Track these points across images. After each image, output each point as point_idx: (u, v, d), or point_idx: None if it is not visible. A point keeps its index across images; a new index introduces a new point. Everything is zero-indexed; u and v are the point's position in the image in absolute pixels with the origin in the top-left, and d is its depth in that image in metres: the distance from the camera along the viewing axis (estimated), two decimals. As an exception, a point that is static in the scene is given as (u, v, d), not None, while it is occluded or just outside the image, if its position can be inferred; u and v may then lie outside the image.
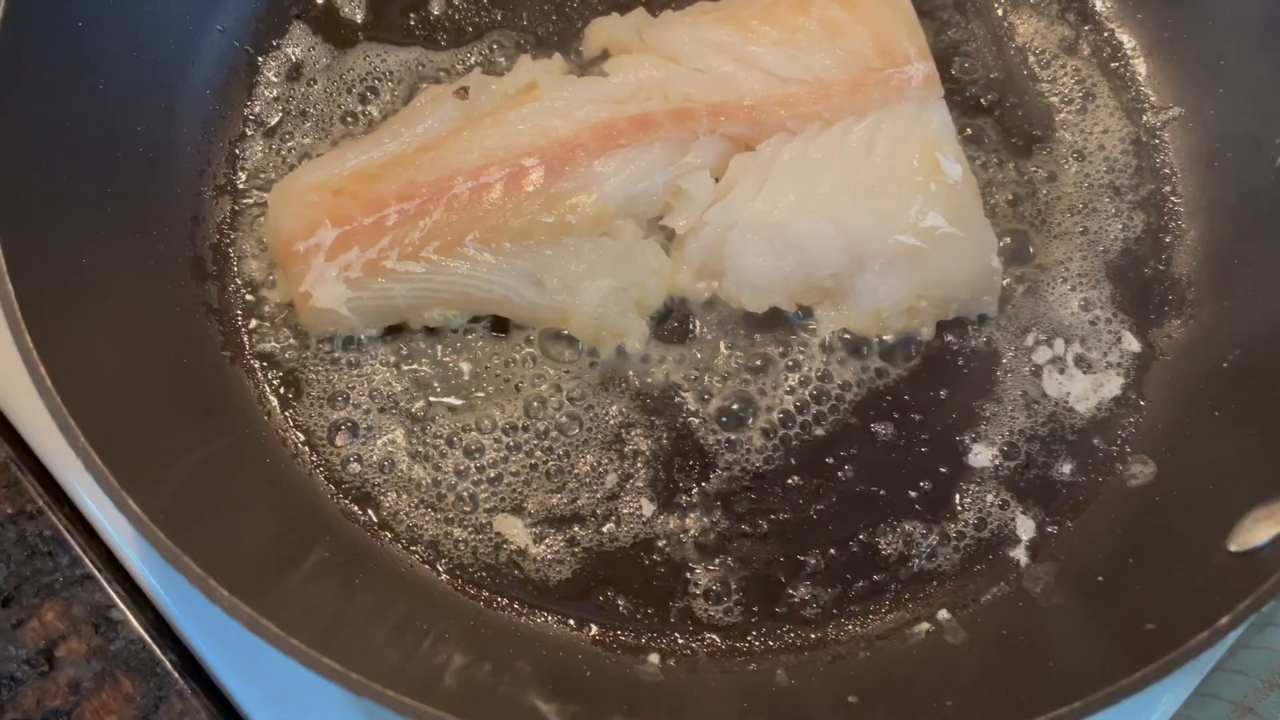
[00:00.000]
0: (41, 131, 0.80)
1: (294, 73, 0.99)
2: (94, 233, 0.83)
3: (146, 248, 0.89)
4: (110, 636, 0.88)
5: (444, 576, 0.86)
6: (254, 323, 0.92)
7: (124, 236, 0.87)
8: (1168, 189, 0.97)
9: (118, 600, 0.89)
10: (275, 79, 0.99)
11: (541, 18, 1.02)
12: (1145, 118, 0.99)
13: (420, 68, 1.00)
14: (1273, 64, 0.94)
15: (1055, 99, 1.00)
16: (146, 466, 0.72)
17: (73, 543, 0.90)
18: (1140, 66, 1.01)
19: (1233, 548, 0.74)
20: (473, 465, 0.89)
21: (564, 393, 0.90)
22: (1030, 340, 0.92)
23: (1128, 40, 1.02)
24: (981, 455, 0.89)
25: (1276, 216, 0.91)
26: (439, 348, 0.92)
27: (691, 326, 0.93)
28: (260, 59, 0.99)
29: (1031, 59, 1.01)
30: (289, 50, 1.00)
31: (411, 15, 1.02)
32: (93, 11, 0.85)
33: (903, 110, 0.91)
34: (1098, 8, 1.02)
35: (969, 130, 0.98)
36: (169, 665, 0.87)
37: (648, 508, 0.88)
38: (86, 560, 0.90)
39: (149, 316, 0.86)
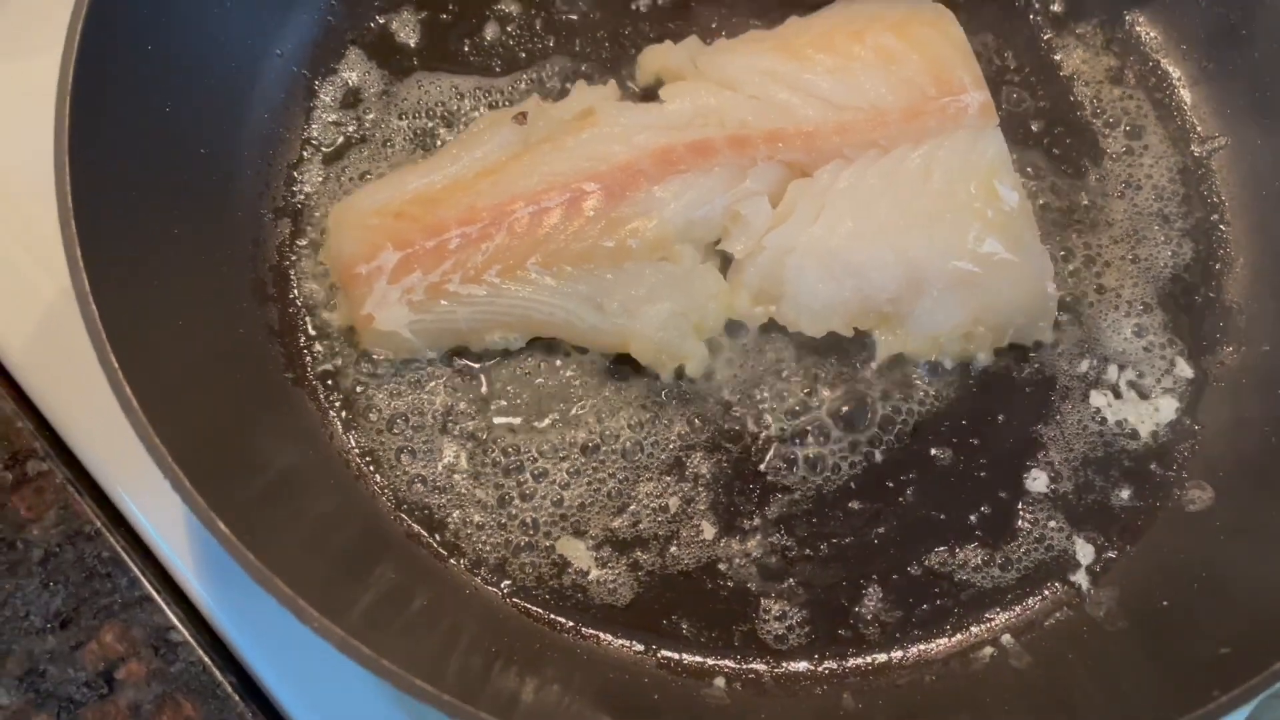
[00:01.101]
0: (115, 157, 0.81)
1: (351, 97, 1.00)
2: (163, 256, 0.84)
3: (210, 270, 0.89)
4: (170, 658, 0.88)
5: (508, 599, 0.86)
6: (316, 344, 0.92)
7: (190, 260, 0.87)
8: (1216, 217, 0.99)
9: (176, 622, 0.89)
10: (332, 103, 1.00)
11: (595, 45, 1.03)
12: (1192, 147, 1.01)
13: (476, 93, 1.01)
14: (1316, 95, 0.96)
15: (1103, 128, 1.01)
16: (223, 488, 0.72)
17: (131, 564, 0.90)
18: (1186, 96, 1.02)
19: (1301, 572, 0.74)
20: (534, 487, 0.89)
21: (624, 416, 0.91)
22: (1085, 366, 0.93)
23: (1173, 70, 1.03)
24: (1039, 480, 0.90)
25: (1326, 245, 0.93)
26: (500, 370, 0.92)
27: (750, 350, 0.93)
28: (317, 83, 1.00)
29: (1079, 88, 1.03)
30: (345, 75, 1.01)
31: (466, 41, 1.03)
32: (160, 37, 0.86)
33: (959, 138, 0.92)
34: (1143, 38, 1.04)
35: (1018, 158, 0.99)
36: (229, 687, 0.87)
37: (709, 531, 0.88)
38: (145, 581, 0.90)
39: (213, 339, 0.87)
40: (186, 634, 0.88)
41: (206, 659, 0.88)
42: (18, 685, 0.86)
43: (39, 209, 0.98)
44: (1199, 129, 1.01)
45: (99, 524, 0.91)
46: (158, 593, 0.89)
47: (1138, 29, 1.04)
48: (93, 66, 0.79)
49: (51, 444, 0.94)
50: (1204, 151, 1.01)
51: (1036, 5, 1.05)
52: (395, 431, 0.90)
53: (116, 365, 0.69)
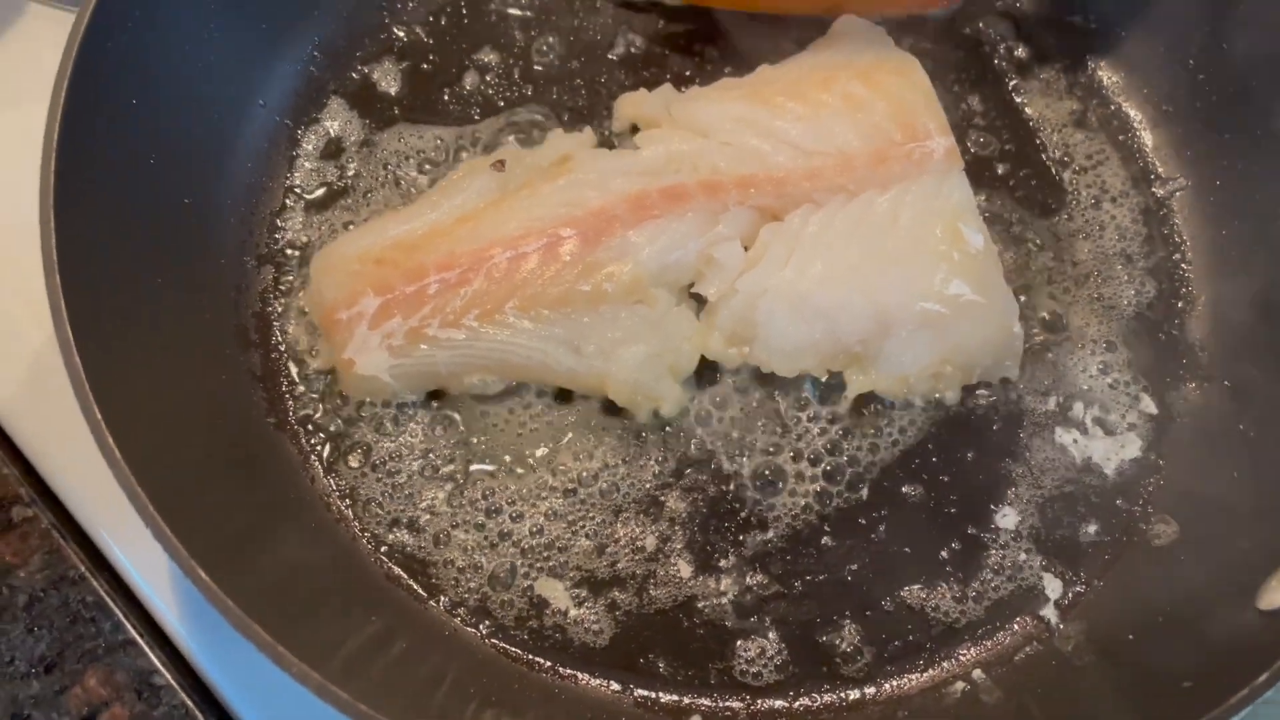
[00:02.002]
0: (99, 208, 0.83)
1: (333, 146, 1.03)
2: (147, 303, 0.85)
3: (193, 317, 0.91)
4: (153, 702, 0.88)
5: (487, 639, 0.87)
6: (298, 389, 0.94)
7: (173, 307, 0.89)
8: (1178, 256, 1.01)
9: (160, 666, 0.89)
10: (314, 152, 1.02)
11: (571, 93, 1.05)
12: (1154, 188, 1.03)
13: (455, 141, 1.03)
14: (1272, 142, 0.98)
15: (1066, 171, 1.04)
16: (204, 534, 0.73)
17: (115, 608, 0.91)
18: (1147, 138, 1.05)
19: (1262, 606, 0.76)
20: (513, 528, 0.90)
21: (601, 457, 0.93)
22: (1051, 403, 0.95)
23: (1134, 114, 1.06)
24: (1008, 516, 0.92)
25: (1284, 283, 0.95)
26: (479, 413, 0.94)
27: (724, 391, 0.95)
28: (300, 132, 1.03)
29: (1043, 132, 1.05)
30: (328, 124, 1.03)
31: (446, 90, 1.05)
32: (145, 89, 0.88)
33: (925, 183, 0.94)
34: (1104, 83, 1.07)
35: (984, 201, 1.02)
36: (211, 730, 0.88)
37: (686, 569, 0.90)
38: (128, 626, 0.91)
39: (196, 385, 0.88)
40: (169, 677, 0.89)
41: (189, 702, 0.88)
42: (2, 730, 0.87)
43: (26, 256, 1.00)
44: (1160, 170, 1.04)
45: (83, 569, 0.92)
46: (141, 637, 0.90)
47: (1099, 74, 1.07)
48: (79, 119, 0.81)
49: (37, 490, 0.95)
50: (1165, 192, 1.03)
51: (1001, 51, 1.08)
52: (375, 474, 0.92)
53: (99, 416, 0.70)
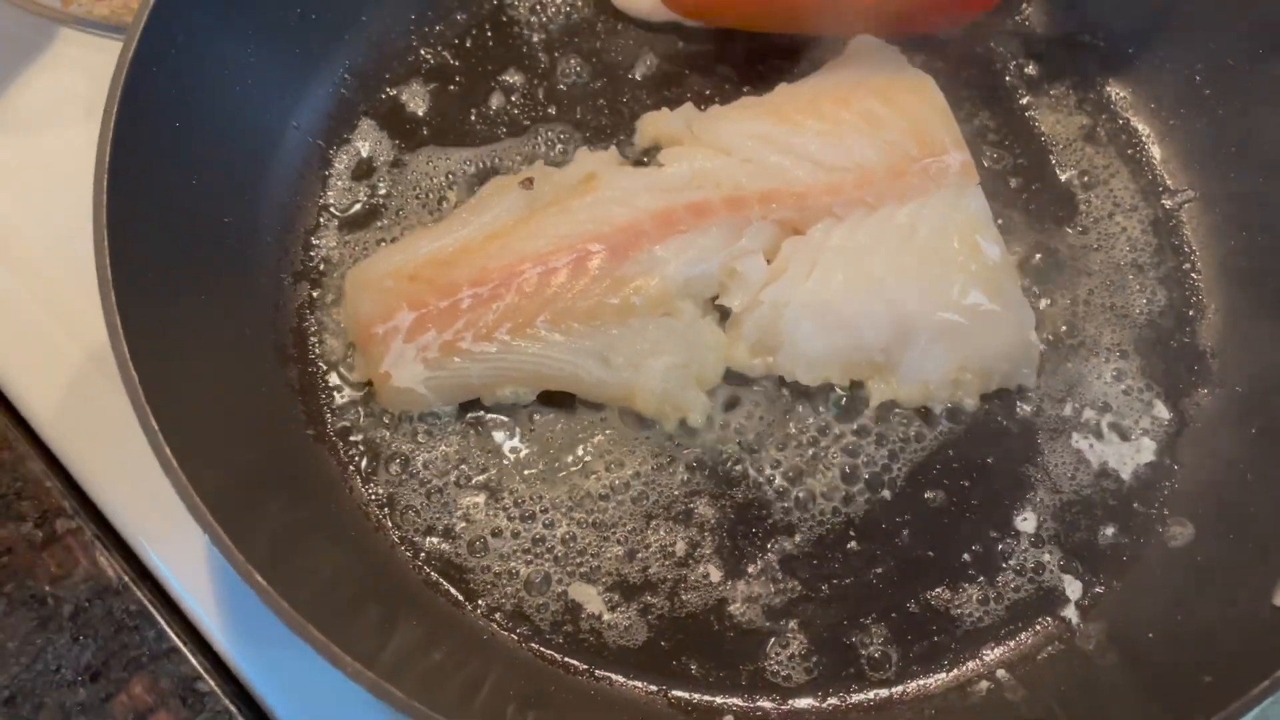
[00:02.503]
0: (146, 229, 0.85)
1: (364, 166, 1.06)
2: (190, 321, 0.88)
3: (234, 333, 0.94)
4: (197, 708, 0.91)
5: (524, 643, 0.89)
6: (335, 401, 0.97)
7: (215, 324, 0.91)
8: (1187, 266, 1.04)
9: (203, 672, 0.92)
10: (346, 171, 1.05)
11: (595, 112, 1.08)
12: (1163, 200, 1.06)
13: (481, 160, 1.06)
14: (1275, 152, 1.01)
15: (1078, 184, 1.07)
16: (253, 541, 0.76)
17: (158, 617, 0.93)
18: (1156, 151, 1.08)
19: (1277, 602, 0.78)
20: (546, 535, 0.93)
21: (631, 465, 0.95)
22: (1068, 409, 0.98)
23: (1142, 128, 1.09)
24: (1028, 520, 0.94)
25: (1292, 290, 0.98)
26: (511, 423, 0.96)
27: (749, 400, 0.98)
28: (333, 153, 1.05)
29: (1054, 147, 1.08)
30: (359, 145, 1.06)
31: (473, 111, 1.08)
32: (187, 115, 0.91)
33: (942, 196, 0.97)
34: (1113, 99, 1.10)
35: (999, 214, 1.04)
36: (254, 735, 0.90)
37: (715, 574, 0.92)
38: (171, 634, 0.93)
39: (240, 398, 0.91)
40: (212, 684, 0.91)
41: (232, 707, 0.91)
42: (50, 737, 0.89)
43: (66, 279, 1.04)
44: (1168, 182, 1.07)
45: (126, 579, 0.94)
46: (184, 644, 0.93)
47: (1108, 90, 1.10)
48: (126, 143, 0.83)
49: (79, 502, 0.97)
50: (1174, 204, 1.06)
51: (1013, 69, 1.11)
52: (412, 483, 0.94)
53: (156, 426, 0.72)
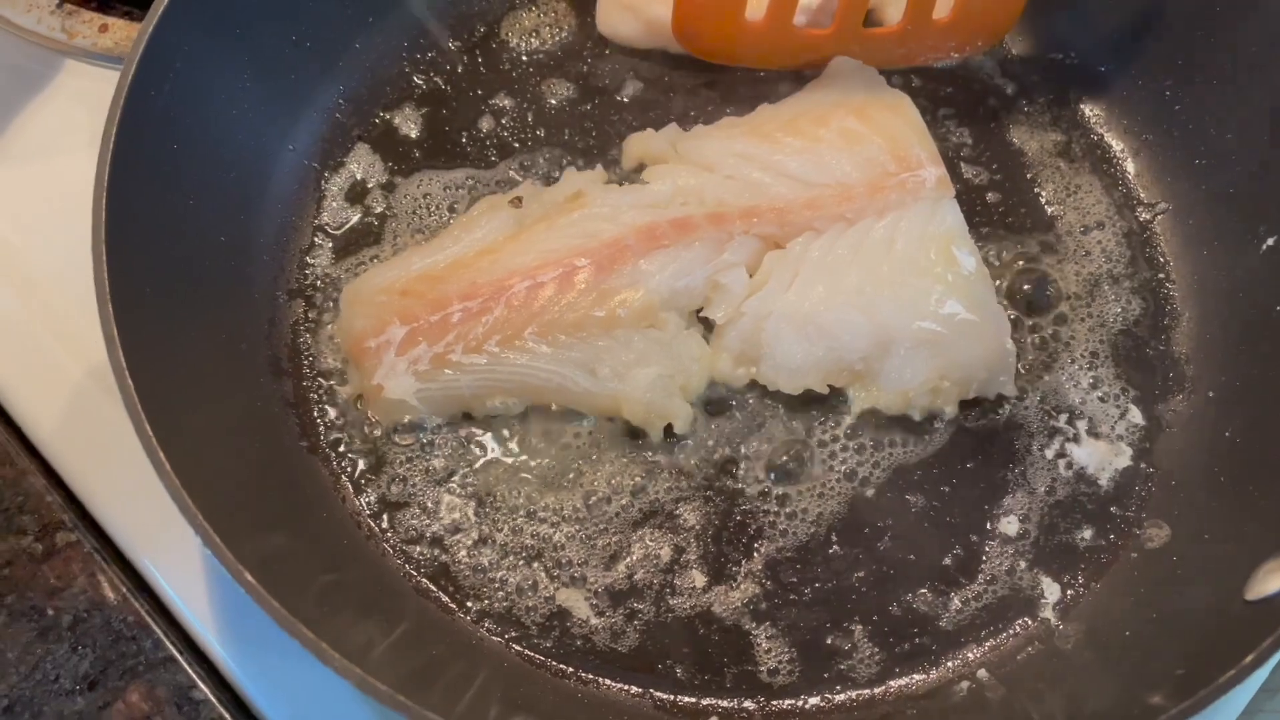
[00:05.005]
0: (143, 246, 0.87)
1: (358, 187, 1.08)
2: (187, 336, 0.91)
3: (230, 348, 0.96)
4: (193, 716, 0.92)
5: (513, 648, 0.91)
6: (328, 414, 0.99)
7: (211, 338, 0.94)
8: (1162, 276, 1.06)
9: (198, 681, 0.93)
10: (340, 193, 1.08)
11: (582, 133, 1.11)
12: (1137, 212, 1.09)
13: (473, 180, 1.09)
14: (1247, 162, 1.04)
15: (1053, 198, 1.10)
16: (245, 546, 0.78)
17: (154, 627, 0.95)
18: (1129, 166, 1.11)
19: (1249, 597, 0.80)
20: (534, 542, 0.95)
21: (617, 473, 0.97)
22: (1045, 416, 1.00)
23: (1116, 143, 1.12)
24: (1007, 523, 0.96)
25: (1264, 298, 1.00)
26: (501, 434, 0.99)
27: (732, 409, 1.00)
28: (327, 175, 1.08)
29: (1030, 162, 1.11)
30: (352, 167, 1.09)
31: (463, 134, 1.11)
32: (184, 137, 0.94)
33: (918, 210, 1.00)
34: (1086, 115, 1.13)
35: (976, 227, 1.07)
36: (249, 742, 0.92)
37: (700, 579, 0.94)
38: (168, 643, 0.94)
39: (234, 411, 0.93)
40: (208, 692, 0.93)
41: (227, 715, 0.92)
42: (48, 746, 0.91)
43: (68, 300, 1.07)
44: (1142, 195, 1.10)
45: (124, 590, 0.96)
46: (180, 654, 0.94)
47: (1081, 106, 1.13)
48: (125, 166, 0.86)
49: (79, 516, 0.99)
50: (1148, 216, 1.09)
51: (989, 87, 1.14)
52: (403, 493, 0.96)
53: (150, 431, 0.75)
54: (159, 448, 0.74)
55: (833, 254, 0.99)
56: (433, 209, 1.08)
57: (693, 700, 0.90)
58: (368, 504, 0.96)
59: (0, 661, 0.93)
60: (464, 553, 0.94)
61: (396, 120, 1.11)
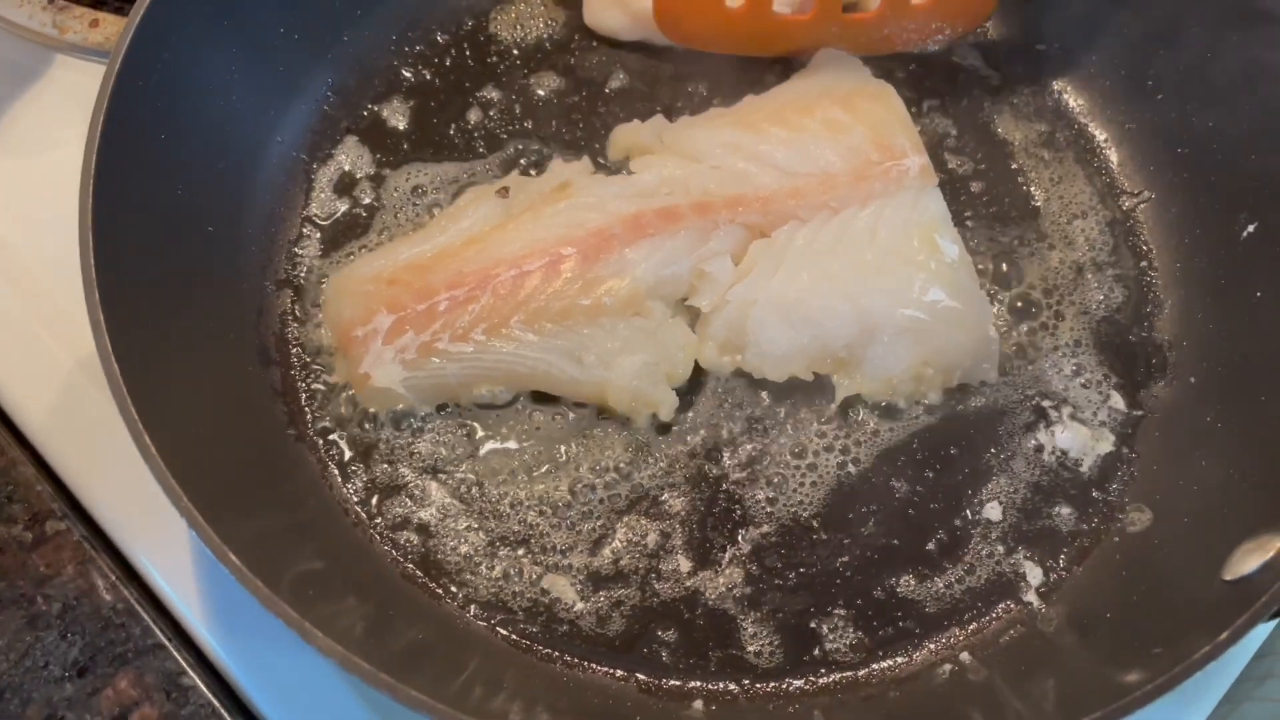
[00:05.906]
0: (131, 235, 0.88)
1: (346, 179, 1.09)
2: (175, 325, 0.91)
3: (218, 337, 0.97)
4: (181, 702, 0.93)
5: (500, 632, 0.91)
6: (315, 403, 1.00)
7: (199, 328, 0.94)
8: (1145, 264, 1.07)
9: (187, 667, 0.94)
10: (329, 184, 1.09)
11: (569, 125, 1.12)
12: (1120, 200, 1.09)
13: (460, 171, 1.10)
14: (1227, 151, 1.04)
15: (1036, 187, 1.10)
16: (232, 530, 0.78)
17: (143, 614, 0.95)
18: (1112, 155, 1.12)
19: (1227, 577, 0.81)
20: (521, 529, 0.95)
21: (603, 460, 0.98)
22: (1029, 402, 1.01)
23: (1099, 133, 1.13)
24: (990, 508, 0.97)
25: (1245, 285, 1.00)
26: (487, 421, 0.99)
27: (718, 396, 1.01)
28: (315, 166, 1.09)
29: (1014, 152, 1.12)
30: (341, 158, 1.10)
31: (451, 125, 1.12)
32: (173, 128, 0.94)
33: (902, 198, 1.01)
34: (1070, 105, 1.14)
35: (959, 215, 1.08)
36: (237, 728, 0.92)
37: (685, 565, 0.94)
38: (156, 630, 0.95)
39: (223, 399, 0.94)
40: (196, 678, 0.93)
41: (215, 701, 0.93)
42: (37, 731, 0.91)
43: (58, 292, 1.07)
44: (1125, 184, 1.10)
45: (113, 578, 0.96)
46: (169, 640, 0.95)
47: (1065, 97, 1.14)
48: (112, 154, 0.87)
49: (69, 505, 1.00)
50: (1131, 205, 1.10)
51: (972, 77, 1.15)
52: (390, 481, 0.97)
53: (137, 417, 0.75)
54: (145, 432, 0.75)
55: (817, 242, 1.00)
56: (420, 200, 1.08)
57: (678, 683, 0.90)
58: (355, 491, 0.96)
59: (-10, 649, 0.93)
60: (451, 539, 0.95)
61: (385, 112, 1.12)
